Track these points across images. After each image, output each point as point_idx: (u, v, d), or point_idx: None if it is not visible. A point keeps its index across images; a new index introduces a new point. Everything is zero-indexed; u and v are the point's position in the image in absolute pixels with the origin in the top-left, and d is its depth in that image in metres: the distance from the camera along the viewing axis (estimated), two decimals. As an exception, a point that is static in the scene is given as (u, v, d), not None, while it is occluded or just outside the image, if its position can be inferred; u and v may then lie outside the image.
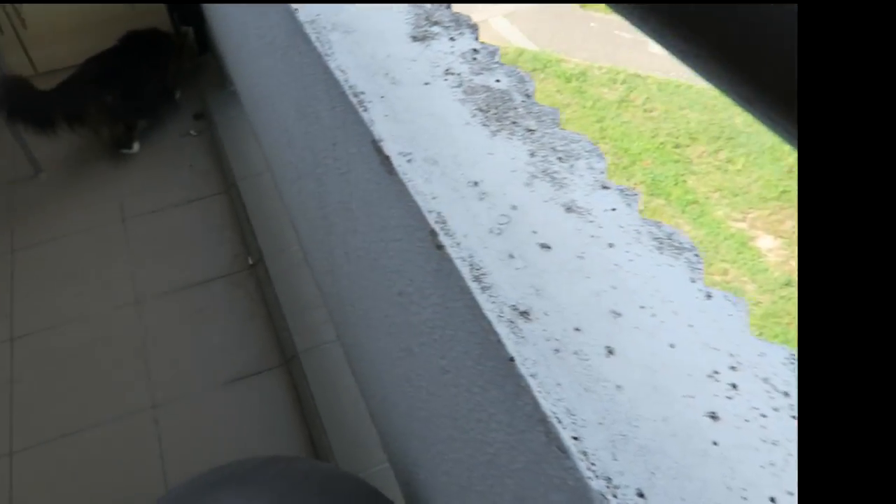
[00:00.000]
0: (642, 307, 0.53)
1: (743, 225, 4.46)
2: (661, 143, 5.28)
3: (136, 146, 2.48)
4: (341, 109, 0.78)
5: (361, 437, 1.55)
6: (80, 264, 2.15)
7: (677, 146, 5.22)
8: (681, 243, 0.57)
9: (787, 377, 0.48)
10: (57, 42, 2.51)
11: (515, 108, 0.69)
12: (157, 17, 2.60)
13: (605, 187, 0.61)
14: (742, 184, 4.83)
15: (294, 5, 0.84)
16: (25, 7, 2.40)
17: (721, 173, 5.17)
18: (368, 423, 1.51)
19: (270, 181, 2.14)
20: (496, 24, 5.63)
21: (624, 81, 5.92)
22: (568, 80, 5.80)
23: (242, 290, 2.00)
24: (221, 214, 2.24)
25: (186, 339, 1.91)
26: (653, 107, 5.75)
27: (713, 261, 4.08)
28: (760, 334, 0.51)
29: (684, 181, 4.92)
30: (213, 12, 2.18)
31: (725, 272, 4.05)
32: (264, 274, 1.98)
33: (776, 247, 4.18)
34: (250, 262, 2.06)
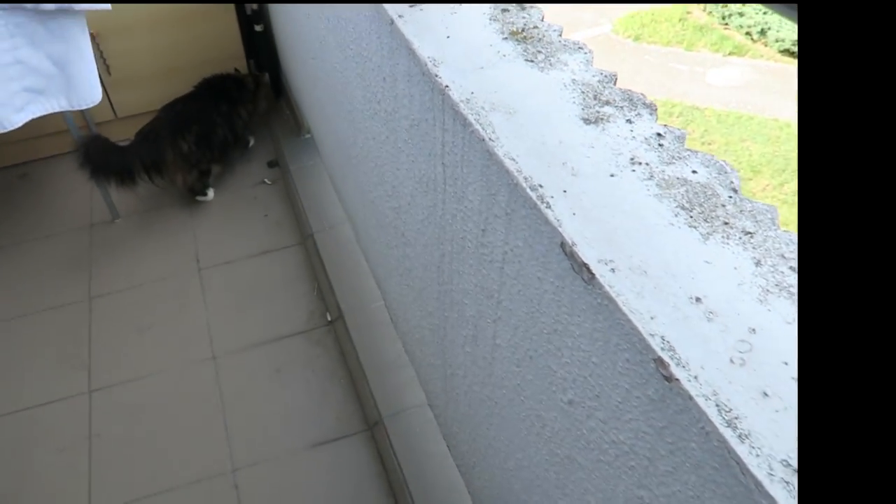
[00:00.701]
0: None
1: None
2: (721, 179, 5.13)
3: (210, 193, 2.48)
4: (505, 199, 0.71)
5: (457, 516, 1.45)
6: (156, 315, 2.13)
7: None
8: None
9: None
10: (138, 88, 2.56)
11: (724, 206, 0.61)
12: (238, 63, 2.63)
13: (859, 309, 0.52)
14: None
15: (445, 82, 0.79)
16: (111, 54, 2.44)
17: (787, 207, 4.95)
18: (465, 499, 1.42)
19: (348, 234, 2.10)
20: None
21: (680, 114, 5.77)
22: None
23: (321, 348, 1.94)
24: (297, 267, 2.20)
25: (265, 398, 1.85)
26: (711, 139, 5.57)
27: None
28: None
29: (744, 215, 4.76)
30: (298, 64, 2.18)
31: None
32: (343, 331, 1.92)
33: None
34: (329, 318, 2.01)
